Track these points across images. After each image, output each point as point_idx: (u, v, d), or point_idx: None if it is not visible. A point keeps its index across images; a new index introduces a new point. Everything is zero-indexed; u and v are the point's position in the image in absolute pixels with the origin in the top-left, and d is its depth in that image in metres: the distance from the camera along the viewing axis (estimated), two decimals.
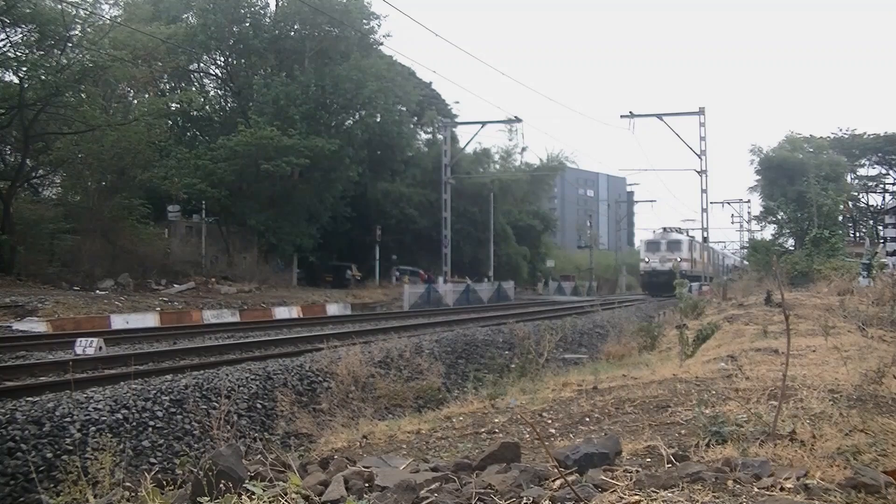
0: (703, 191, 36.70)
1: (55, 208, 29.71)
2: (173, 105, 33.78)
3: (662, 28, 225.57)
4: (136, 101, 32.86)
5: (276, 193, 34.10)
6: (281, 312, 24.20)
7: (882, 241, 54.18)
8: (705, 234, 39.71)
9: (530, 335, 11.95)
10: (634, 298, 42.25)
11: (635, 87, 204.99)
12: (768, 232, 66.45)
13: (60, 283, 24.92)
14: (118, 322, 17.60)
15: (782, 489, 3.37)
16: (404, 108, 42.06)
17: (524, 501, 3.31)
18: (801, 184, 56.12)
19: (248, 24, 36.39)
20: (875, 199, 73.00)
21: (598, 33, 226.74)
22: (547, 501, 3.27)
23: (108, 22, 28.11)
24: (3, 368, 9.92)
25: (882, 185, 72.01)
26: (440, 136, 43.75)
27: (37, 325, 16.48)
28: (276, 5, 37.60)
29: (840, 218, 63.14)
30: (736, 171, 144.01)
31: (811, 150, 62.91)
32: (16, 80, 25.49)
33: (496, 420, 6.70)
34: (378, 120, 38.54)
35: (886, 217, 61.67)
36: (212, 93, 39.91)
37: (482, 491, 3.44)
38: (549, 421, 6.40)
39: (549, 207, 69.08)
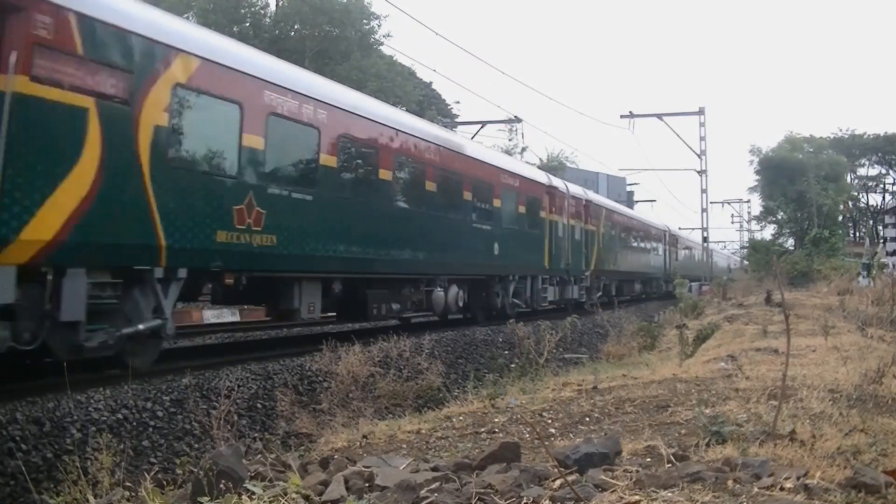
0: (703, 191, 36.62)
1: None
2: None
3: (662, 28, 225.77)
4: None
5: None
6: None
7: (882, 241, 54.24)
8: (705, 234, 39.63)
9: (530, 335, 11.95)
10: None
11: (635, 87, 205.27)
12: (768, 232, 66.57)
13: None
14: None
15: (782, 489, 3.37)
16: (405, 108, 42.11)
17: (524, 501, 3.31)
18: (801, 184, 56.15)
19: (248, 24, 36.42)
20: (875, 199, 73.20)
21: (598, 33, 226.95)
22: (547, 501, 3.28)
23: None
24: (3, 369, 9.92)
25: (882, 185, 72.18)
26: None
27: None
28: (276, 5, 37.66)
29: (840, 218, 63.28)
30: (736, 171, 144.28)
31: (811, 150, 62.92)
32: None
33: (496, 420, 6.70)
34: None
35: (886, 217, 61.76)
36: None
37: (482, 491, 3.44)
38: (549, 421, 6.40)
39: None
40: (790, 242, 60.66)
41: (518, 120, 38.10)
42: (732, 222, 73.53)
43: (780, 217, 64.29)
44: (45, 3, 7.15)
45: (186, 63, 8.87)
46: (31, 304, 7.20)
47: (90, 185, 7.60)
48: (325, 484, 3.69)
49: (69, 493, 5.25)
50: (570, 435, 5.72)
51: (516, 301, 19.03)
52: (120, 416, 7.48)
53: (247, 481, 3.60)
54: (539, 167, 37.31)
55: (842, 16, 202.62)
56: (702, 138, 35.43)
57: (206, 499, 3.39)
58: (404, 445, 6.03)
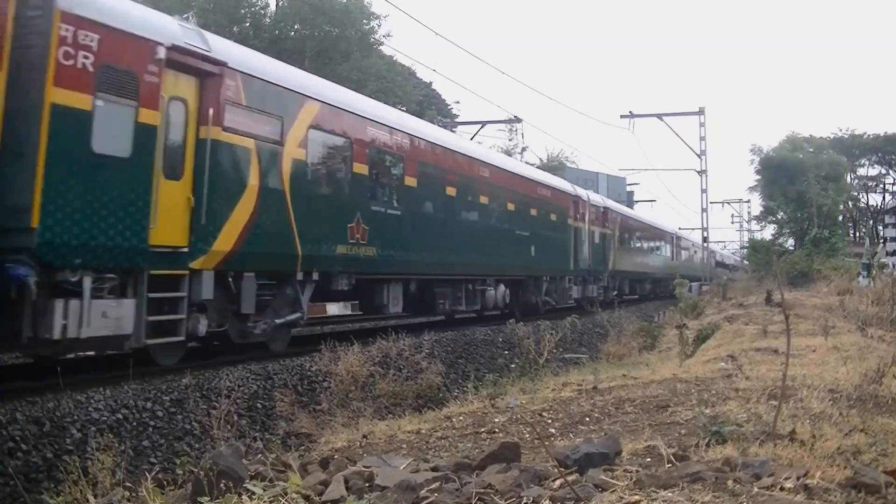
0: (703, 191, 36.71)
1: None
2: None
3: (662, 28, 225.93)
4: None
5: None
6: None
7: (882, 241, 54.22)
8: (705, 234, 39.68)
9: (530, 335, 11.94)
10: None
11: (635, 87, 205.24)
12: (768, 232, 66.57)
13: None
14: None
15: (782, 489, 3.37)
16: (405, 108, 42.09)
17: (524, 501, 3.31)
18: (801, 184, 56.10)
19: (248, 24, 36.38)
20: (875, 199, 73.12)
21: (598, 33, 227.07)
22: (547, 501, 3.28)
23: None
24: (4, 368, 9.92)
25: (882, 185, 72.08)
26: None
27: None
28: (276, 5, 37.62)
29: (840, 218, 63.24)
30: (736, 171, 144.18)
31: (811, 150, 62.88)
32: None
33: (496, 420, 6.70)
34: None
35: (886, 217, 61.72)
36: None
37: (482, 491, 3.44)
38: (549, 421, 6.40)
39: None
40: (790, 242, 60.65)
41: (518, 120, 38.16)
42: (732, 222, 73.59)
43: (780, 217, 64.30)
44: None
45: None
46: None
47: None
48: (325, 484, 3.69)
49: (69, 493, 5.25)
50: (570, 435, 5.72)
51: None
52: (120, 416, 7.48)
53: (247, 481, 3.60)
54: (539, 167, 37.24)
55: (842, 16, 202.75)
56: (702, 138, 35.48)
57: (207, 499, 3.39)
58: (404, 445, 6.03)
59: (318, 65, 35.73)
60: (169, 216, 8.64)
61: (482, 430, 6.30)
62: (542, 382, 9.07)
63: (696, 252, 48.83)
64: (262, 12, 37.33)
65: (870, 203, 73.86)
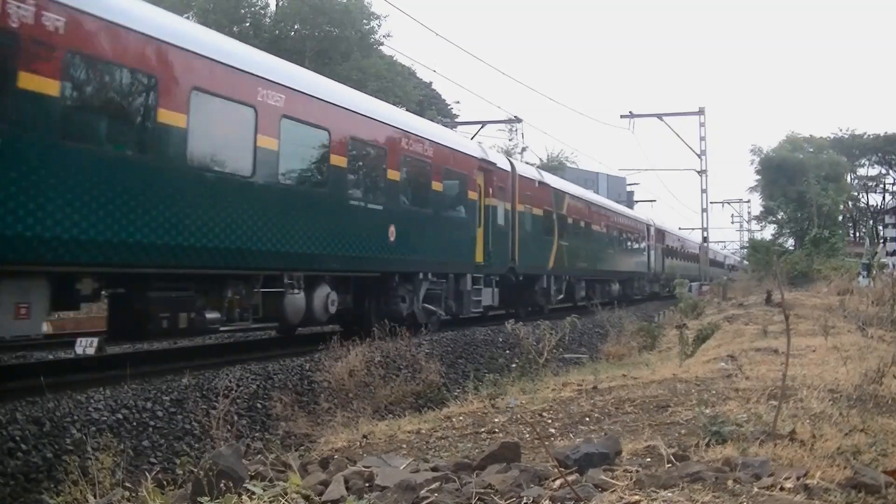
0: (703, 191, 36.68)
1: None
2: None
3: (662, 28, 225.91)
4: None
5: None
6: None
7: (882, 241, 54.27)
8: (705, 234, 39.68)
9: (530, 335, 11.94)
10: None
11: (635, 87, 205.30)
12: (768, 232, 66.64)
13: None
14: None
15: (782, 489, 3.37)
16: (405, 108, 42.06)
17: (524, 501, 3.31)
18: (801, 184, 56.16)
19: (248, 24, 36.43)
20: (875, 199, 73.15)
21: (598, 33, 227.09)
22: (547, 501, 3.28)
23: None
24: (4, 369, 9.92)
25: (882, 185, 72.12)
26: None
27: None
28: (276, 5, 37.67)
29: (840, 218, 63.30)
30: (736, 171, 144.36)
31: (811, 150, 62.91)
32: None
33: (496, 420, 6.70)
34: None
35: (886, 217, 61.79)
36: None
37: (482, 491, 3.44)
38: (549, 421, 6.40)
39: None
40: (790, 242, 60.72)
41: (518, 120, 38.11)
42: (732, 222, 73.54)
43: (780, 217, 64.42)
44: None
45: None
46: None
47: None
48: (325, 484, 3.69)
49: (69, 493, 5.25)
50: (570, 435, 5.72)
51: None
52: (120, 416, 7.48)
53: (247, 481, 3.60)
54: (539, 167, 37.06)
55: (842, 16, 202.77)
56: (702, 138, 35.46)
57: (206, 499, 3.39)
58: (404, 445, 6.03)
59: (318, 65, 35.76)
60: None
61: (482, 430, 6.30)
62: (542, 382, 9.06)
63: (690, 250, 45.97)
64: (262, 12, 37.40)
65: (870, 203, 73.95)
